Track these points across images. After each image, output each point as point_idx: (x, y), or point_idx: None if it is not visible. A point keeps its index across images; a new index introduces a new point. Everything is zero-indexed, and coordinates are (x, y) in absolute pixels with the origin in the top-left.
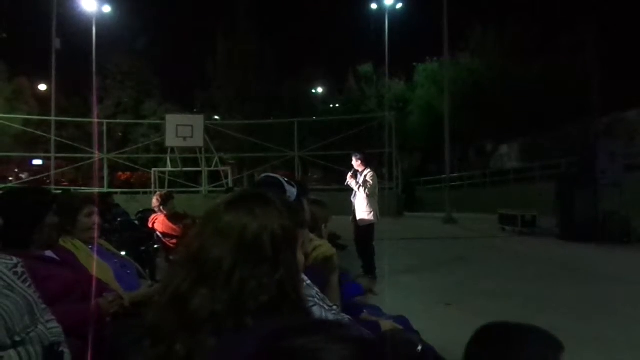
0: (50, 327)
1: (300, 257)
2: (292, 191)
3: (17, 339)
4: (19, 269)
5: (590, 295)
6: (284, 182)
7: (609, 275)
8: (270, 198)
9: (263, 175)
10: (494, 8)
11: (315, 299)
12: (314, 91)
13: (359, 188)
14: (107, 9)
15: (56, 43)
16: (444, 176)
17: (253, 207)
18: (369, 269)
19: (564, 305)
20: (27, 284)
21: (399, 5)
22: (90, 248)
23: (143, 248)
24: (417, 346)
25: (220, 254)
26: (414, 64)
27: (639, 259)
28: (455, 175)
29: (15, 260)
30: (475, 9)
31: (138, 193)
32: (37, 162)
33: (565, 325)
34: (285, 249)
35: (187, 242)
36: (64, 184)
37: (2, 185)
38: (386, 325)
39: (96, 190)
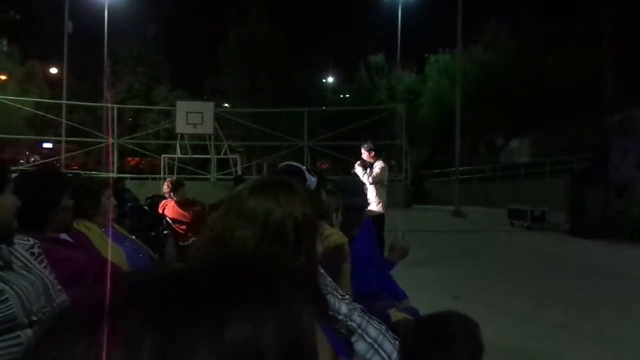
0: None
1: (319, 246)
2: (312, 180)
3: (34, 318)
4: (36, 250)
5: (599, 291)
6: (305, 171)
7: (618, 272)
8: (294, 186)
9: (284, 163)
10: (509, 0)
11: (329, 288)
12: (324, 81)
13: (367, 177)
14: None
15: (68, 26)
16: (453, 169)
17: (277, 194)
18: None
19: (572, 301)
20: (44, 264)
21: None
22: (103, 231)
23: (153, 233)
24: None
25: (244, 236)
26: (426, 55)
27: None
28: (464, 168)
29: (32, 241)
30: (490, 0)
31: (147, 179)
32: (48, 145)
33: (574, 322)
34: (306, 237)
35: (210, 223)
36: (74, 167)
37: (14, 168)
38: (397, 316)
39: (107, 174)
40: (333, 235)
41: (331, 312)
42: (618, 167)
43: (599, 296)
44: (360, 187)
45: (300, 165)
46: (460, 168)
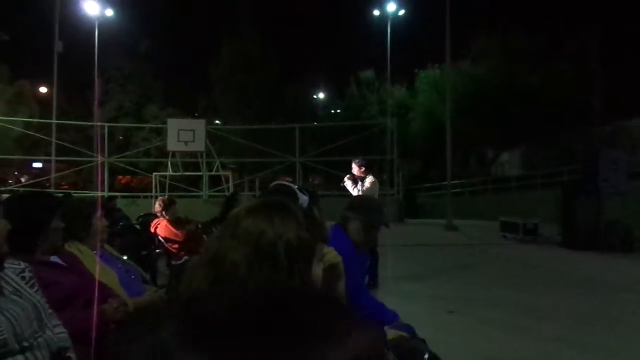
0: (57, 332)
1: (317, 270)
2: (304, 199)
3: (25, 344)
4: (27, 274)
5: (591, 303)
6: (296, 190)
7: (611, 284)
8: (291, 208)
9: (275, 182)
10: (497, 15)
11: None
12: (315, 96)
13: (356, 191)
14: (109, 12)
15: (58, 46)
16: (445, 183)
17: (272, 215)
18: (372, 277)
19: (565, 313)
20: (35, 289)
21: (401, 12)
22: (94, 253)
23: (144, 252)
24: (424, 354)
25: (236, 259)
26: (416, 70)
27: None
28: (456, 182)
29: (22, 265)
30: (478, 15)
31: (138, 197)
32: (37, 165)
33: (567, 334)
34: (300, 260)
35: (207, 244)
36: (64, 187)
37: (3, 188)
38: (392, 334)
39: (97, 194)
40: (327, 254)
41: None
42: (608, 178)
43: (592, 308)
44: (380, 205)
45: (291, 185)
46: (452, 182)
